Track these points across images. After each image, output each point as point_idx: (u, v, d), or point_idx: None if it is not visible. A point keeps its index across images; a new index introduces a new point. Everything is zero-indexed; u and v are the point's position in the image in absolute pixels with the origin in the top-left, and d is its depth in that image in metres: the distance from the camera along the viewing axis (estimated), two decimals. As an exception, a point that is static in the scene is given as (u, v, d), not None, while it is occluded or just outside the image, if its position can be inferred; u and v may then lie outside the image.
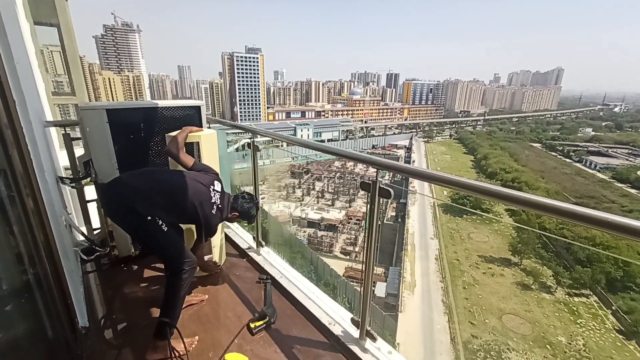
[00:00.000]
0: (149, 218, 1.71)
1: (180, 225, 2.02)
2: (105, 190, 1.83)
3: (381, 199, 1.46)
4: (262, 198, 2.68)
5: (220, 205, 1.96)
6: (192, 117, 2.65)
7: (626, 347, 21.74)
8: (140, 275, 2.51)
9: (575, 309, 25.09)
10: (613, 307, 24.97)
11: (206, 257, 2.43)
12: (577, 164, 67.69)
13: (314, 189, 50.03)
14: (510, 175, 51.08)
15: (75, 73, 4.12)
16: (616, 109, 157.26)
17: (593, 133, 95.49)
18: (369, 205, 1.48)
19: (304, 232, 35.88)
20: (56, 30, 5.25)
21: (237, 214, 2.07)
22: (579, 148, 77.94)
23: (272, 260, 2.57)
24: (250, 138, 2.48)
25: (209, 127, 2.78)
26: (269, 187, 48.61)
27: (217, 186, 2.01)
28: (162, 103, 2.54)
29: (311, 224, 37.39)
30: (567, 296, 26.50)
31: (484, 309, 24.71)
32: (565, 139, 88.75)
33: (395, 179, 56.06)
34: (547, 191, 45.18)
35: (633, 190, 49.92)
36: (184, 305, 2.05)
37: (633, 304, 23.84)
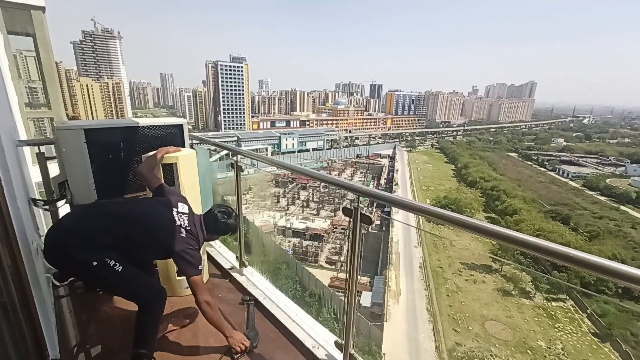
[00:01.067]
0: (95, 263, 1.56)
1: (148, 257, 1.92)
2: (46, 236, 1.65)
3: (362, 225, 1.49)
4: (245, 208, 2.65)
5: (189, 228, 1.80)
6: (174, 135, 2.62)
7: (601, 350, 22.59)
8: (117, 300, 2.41)
9: (553, 313, 25.91)
10: (588, 311, 25.96)
11: (180, 278, 2.37)
12: (551, 173, 70.94)
13: (299, 198, 49.83)
14: (489, 183, 52.82)
15: (51, 86, 3.99)
16: (585, 121, 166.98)
17: (565, 143, 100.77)
18: (350, 232, 1.51)
19: (289, 242, 35.52)
20: (32, 39, 5.10)
21: (214, 234, 2.01)
22: (552, 157, 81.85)
23: (255, 280, 2.54)
24: (231, 155, 2.47)
25: (192, 146, 2.75)
26: (254, 196, 48.05)
27: (183, 208, 1.87)
28: (142, 122, 2.50)
29: (296, 233, 37.09)
30: (545, 301, 27.37)
31: (467, 315, 25.11)
32: (540, 149, 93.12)
33: (380, 188, 56.84)
34: (523, 199, 46.93)
35: (602, 198, 52.67)
36: (162, 332, 1.99)
37: (606, 307, 24.89)
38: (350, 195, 1.60)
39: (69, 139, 2.23)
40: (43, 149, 2.59)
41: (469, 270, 31.13)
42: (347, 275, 1.60)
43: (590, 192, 55.39)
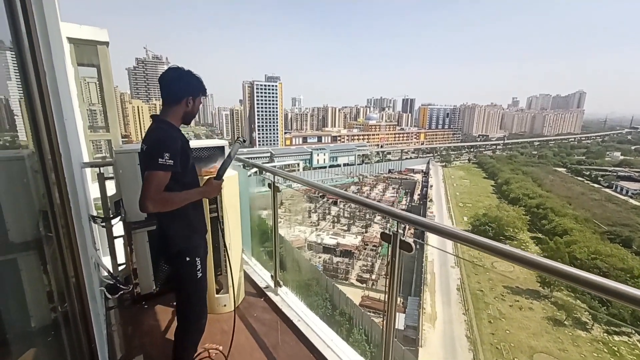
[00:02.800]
0: (188, 259, 1.74)
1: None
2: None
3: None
4: (279, 223, 2.69)
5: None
6: (216, 155, 2.77)
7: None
8: (160, 312, 2.54)
9: (616, 349, 22.87)
10: (660, 349, 22.63)
11: (219, 295, 2.43)
12: (607, 190, 64.30)
13: (329, 213, 49.71)
14: (535, 201, 49.00)
15: (110, 111, 4.45)
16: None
17: (622, 157, 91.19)
18: (390, 258, 1.47)
19: (320, 257, 35.29)
20: (96, 69, 5.75)
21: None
22: (607, 173, 74.35)
23: (290, 301, 2.55)
24: (270, 176, 2.55)
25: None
26: (285, 210, 48.78)
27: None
28: (190, 144, 2.68)
29: (327, 249, 36.81)
30: (605, 334, 24.27)
31: (513, 346, 22.94)
32: (592, 163, 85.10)
33: (413, 204, 55.07)
34: (575, 218, 42.85)
35: (672, 218, 46.56)
36: (197, 353, 2.03)
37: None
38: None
39: (125, 161, 2.45)
40: (102, 169, 2.86)
41: (513, 295, 28.67)
42: (386, 300, 1.56)
43: (656, 212, 49.29)
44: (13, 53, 1.34)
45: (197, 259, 1.75)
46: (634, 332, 24.43)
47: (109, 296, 2.49)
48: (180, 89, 1.69)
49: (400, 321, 24.16)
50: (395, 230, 1.46)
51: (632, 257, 31.64)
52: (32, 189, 1.77)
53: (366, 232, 42.21)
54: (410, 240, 1.44)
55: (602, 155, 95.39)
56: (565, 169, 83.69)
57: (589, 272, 0.93)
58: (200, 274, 1.78)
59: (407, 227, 1.52)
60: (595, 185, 67.90)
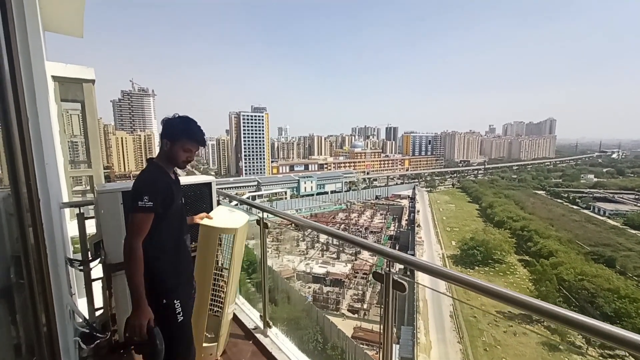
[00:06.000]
0: (165, 301, 1.69)
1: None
2: None
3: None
4: (267, 253, 2.62)
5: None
6: (203, 194, 2.73)
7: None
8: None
9: (612, 373, 22.56)
10: (655, 371, 22.42)
11: (207, 344, 2.29)
12: (585, 211, 66.62)
13: (318, 241, 48.96)
14: (519, 223, 50.04)
15: (93, 147, 4.38)
16: (614, 155, 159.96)
17: (596, 179, 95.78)
18: (383, 298, 1.44)
19: (309, 287, 34.19)
20: (80, 104, 5.72)
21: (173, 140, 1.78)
22: (584, 194, 77.44)
23: (280, 343, 2.42)
24: (258, 213, 2.51)
25: (219, 202, 2.84)
26: (273, 240, 47.75)
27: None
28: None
29: (316, 278, 35.81)
30: (601, 358, 24.00)
31: (511, 375, 22.30)
32: (569, 186, 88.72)
33: (401, 229, 55.13)
34: (559, 239, 43.77)
35: (648, 237, 48.26)
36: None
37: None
38: (372, 237, 1.57)
39: (107, 200, 2.37)
40: (82, 208, 2.76)
41: (506, 320, 28.29)
42: (381, 340, 1.50)
43: (633, 231, 51.04)
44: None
45: (175, 301, 1.71)
46: (628, 355, 24.28)
47: (84, 347, 2.29)
48: (162, 131, 1.76)
49: (394, 353, 23.22)
50: (388, 270, 1.44)
51: (617, 277, 32.21)
52: (4, 233, 1.67)
53: (356, 259, 41.54)
54: (404, 281, 1.42)
55: (577, 178, 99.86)
56: (544, 192, 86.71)
57: (582, 315, 0.93)
58: (182, 318, 1.72)
59: (397, 248, 1.52)
60: (574, 207, 70.31)
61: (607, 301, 27.49)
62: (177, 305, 1.72)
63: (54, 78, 4.06)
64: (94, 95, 4.50)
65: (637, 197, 75.26)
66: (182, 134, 1.73)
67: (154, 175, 1.69)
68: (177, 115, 1.77)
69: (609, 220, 58.34)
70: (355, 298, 32.42)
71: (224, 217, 2.28)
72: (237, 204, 3.02)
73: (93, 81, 4.43)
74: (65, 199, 2.97)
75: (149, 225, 1.62)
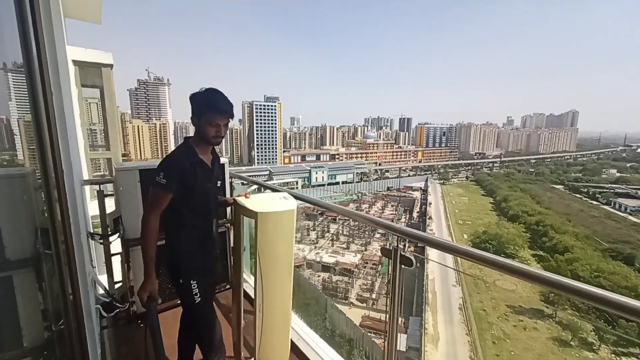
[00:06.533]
0: (181, 281, 1.72)
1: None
2: None
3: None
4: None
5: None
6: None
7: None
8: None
9: (625, 371, 22.18)
10: (671, 371, 21.92)
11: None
12: (606, 207, 64.36)
13: (328, 231, 49.32)
14: (534, 218, 48.89)
15: (112, 130, 4.52)
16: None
17: (618, 174, 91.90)
18: (391, 273, 1.47)
19: (319, 276, 34.69)
20: (99, 90, 5.87)
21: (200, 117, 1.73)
22: (605, 190, 74.65)
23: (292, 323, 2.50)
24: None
25: (231, 184, 2.90)
26: (284, 229, 48.33)
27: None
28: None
29: (325, 267, 36.25)
30: (613, 355, 23.56)
31: (519, 368, 22.22)
32: (589, 181, 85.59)
33: (412, 221, 54.79)
34: (575, 235, 42.62)
35: (672, 235, 46.34)
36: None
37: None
38: (382, 229, 1.60)
39: (125, 178, 2.47)
40: (102, 186, 2.87)
41: (516, 315, 28.03)
42: (387, 318, 1.54)
43: (656, 229, 49.14)
44: (18, 74, 1.39)
45: (192, 282, 1.69)
46: (642, 353, 23.78)
47: (105, 314, 2.43)
48: (191, 109, 1.70)
49: (401, 342, 23.44)
50: (396, 245, 1.47)
51: (635, 275, 31.24)
52: (32, 206, 1.77)
53: (365, 250, 41.73)
54: (411, 256, 1.45)
55: (598, 173, 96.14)
56: (562, 186, 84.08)
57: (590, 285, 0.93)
58: (199, 299, 1.71)
59: (407, 244, 1.54)
60: (594, 202, 68.02)
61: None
62: (194, 287, 1.70)
63: (74, 62, 4.18)
64: (112, 81, 4.62)
65: (662, 193, 72.01)
66: (206, 106, 1.66)
67: (174, 154, 1.67)
68: (203, 89, 1.69)
69: (631, 217, 56.23)
70: (365, 288, 32.71)
71: (262, 200, 2.02)
72: (248, 184, 3.08)
73: (111, 66, 4.54)
74: (86, 177, 3.11)
75: (164, 201, 1.61)
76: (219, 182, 1.88)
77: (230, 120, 1.74)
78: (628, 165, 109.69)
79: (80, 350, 1.80)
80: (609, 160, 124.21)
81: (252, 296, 1.91)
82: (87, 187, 3.51)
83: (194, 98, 1.67)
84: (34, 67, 1.39)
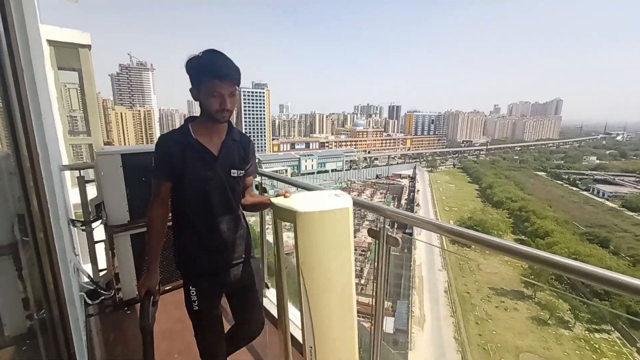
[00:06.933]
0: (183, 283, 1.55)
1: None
2: None
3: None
4: (266, 229, 2.66)
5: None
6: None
7: (657, 391, 20.14)
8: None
9: (597, 346, 23.59)
10: (638, 345, 23.45)
11: None
12: (585, 192, 66.94)
13: (318, 219, 49.65)
14: (517, 204, 50.47)
15: (92, 115, 4.34)
16: (619, 138, 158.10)
17: (598, 161, 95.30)
18: (376, 254, 1.49)
19: (308, 263, 35.14)
20: (77, 74, 5.61)
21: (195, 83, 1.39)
22: (584, 176, 77.45)
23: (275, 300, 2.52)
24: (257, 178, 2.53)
25: (261, 183, 2.84)
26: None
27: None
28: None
29: (316, 255, 36.69)
30: (587, 332, 25.03)
31: (499, 346, 23.34)
32: (570, 168, 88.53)
33: (401, 208, 55.79)
34: (555, 220, 44.34)
35: (645, 219, 48.81)
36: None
37: (660, 342, 22.44)
38: (371, 216, 1.59)
39: (107, 163, 2.39)
40: (83, 172, 2.78)
41: (498, 296, 29.25)
42: (373, 300, 1.57)
43: (630, 213, 51.56)
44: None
45: (190, 288, 1.46)
46: (613, 330, 25.31)
47: (90, 302, 2.40)
48: (190, 79, 1.37)
49: (389, 325, 24.20)
50: (382, 225, 1.48)
51: (609, 257, 32.95)
52: (7, 192, 1.70)
53: (354, 237, 42.31)
54: (397, 236, 1.46)
55: (579, 160, 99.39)
56: (545, 173, 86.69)
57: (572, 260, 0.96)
58: (197, 307, 1.46)
59: (396, 231, 1.54)
60: (574, 189, 70.58)
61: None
62: (193, 293, 1.47)
63: (49, 42, 3.96)
64: (91, 62, 4.40)
65: (637, 179, 75.31)
66: (203, 72, 1.31)
67: (163, 135, 1.41)
68: (192, 56, 1.34)
69: (607, 202, 58.75)
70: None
71: (306, 198, 1.62)
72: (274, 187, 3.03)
73: (89, 47, 4.32)
74: (66, 163, 3.00)
75: (161, 189, 1.40)
76: (233, 171, 1.48)
77: (237, 88, 1.38)
78: (607, 152, 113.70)
79: (64, 338, 1.77)
80: (590, 148, 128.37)
81: (299, 338, 1.50)
82: (68, 174, 3.39)
83: (190, 64, 1.33)
84: (0, 41, 1.30)
